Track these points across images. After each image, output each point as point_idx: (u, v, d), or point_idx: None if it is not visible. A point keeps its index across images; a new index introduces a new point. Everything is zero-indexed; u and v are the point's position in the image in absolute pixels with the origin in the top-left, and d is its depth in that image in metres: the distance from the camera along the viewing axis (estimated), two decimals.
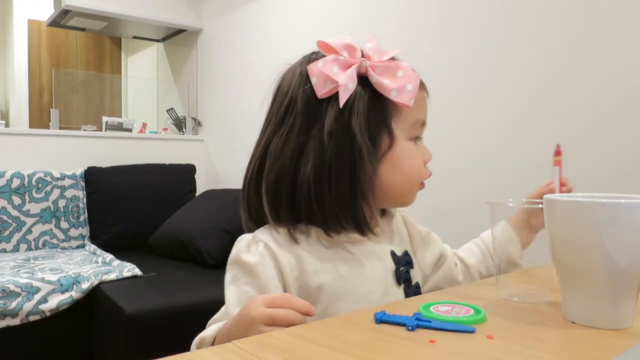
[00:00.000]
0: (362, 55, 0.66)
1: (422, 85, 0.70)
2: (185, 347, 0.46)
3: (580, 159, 1.32)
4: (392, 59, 0.68)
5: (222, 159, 2.89)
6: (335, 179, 0.64)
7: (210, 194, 2.61)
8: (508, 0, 1.49)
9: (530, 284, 0.62)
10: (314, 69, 0.64)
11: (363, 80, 0.65)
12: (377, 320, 0.52)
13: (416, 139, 0.70)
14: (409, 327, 0.50)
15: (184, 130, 3.20)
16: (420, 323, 0.51)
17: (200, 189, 2.80)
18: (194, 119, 3.14)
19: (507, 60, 1.49)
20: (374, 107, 0.65)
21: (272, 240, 0.65)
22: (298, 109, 0.66)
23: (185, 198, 2.64)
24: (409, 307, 0.57)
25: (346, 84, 0.63)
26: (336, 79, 0.63)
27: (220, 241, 2.09)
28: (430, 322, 0.51)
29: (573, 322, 0.53)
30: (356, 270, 0.67)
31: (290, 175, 0.65)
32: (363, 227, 0.66)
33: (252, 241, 0.66)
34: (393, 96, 0.63)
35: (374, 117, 0.65)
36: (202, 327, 0.65)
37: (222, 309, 0.65)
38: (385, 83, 0.63)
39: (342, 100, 0.63)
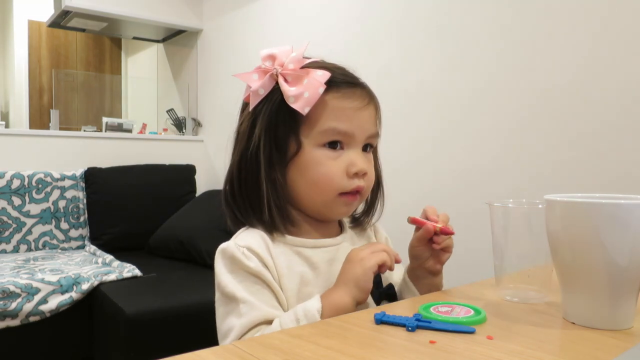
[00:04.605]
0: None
1: (352, 96, 0.69)
2: (185, 348, 0.46)
3: (580, 159, 1.32)
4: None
5: (222, 159, 2.87)
6: (245, 178, 0.69)
7: (210, 194, 2.61)
8: (511, 3, 1.49)
9: (530, 284, 0.62)
10: (242, 75, 0.69)
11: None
12: (377, 320, 0.52)
13: (335, 147, 0.68)
14: (409, 328, 0.50)
15: (184, 130, 3.20)
16: (420, 324, 0.51)
17: (200, 189, 2.80)
18: (193, 119, 3.14)
19: (509, 62, 1.49)
20: (282, 113, 0.67)
21: (252, 243, 0.67)
22: (239, 113, 0.74)
23: (185, 198, 2.64)
24: (409, 307, 0.57)
25: (257, 90, 0.68)
26: (251, 85, 0.68)
27: (220, 241, 2.07)
28: (430, 322, 0.51)
29: (573, 323, 0.53)
30: (320, 274, 0.69)
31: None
32: (272, 230, 0.69)
33: (236, 248, 0.67)
34: (291, 102, 0.65)
35: (281, 123, 0.67)
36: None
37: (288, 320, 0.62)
38: (289, 90, 0.66)
39: (252, 105, 0.68)
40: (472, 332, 0.50)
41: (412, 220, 0.72)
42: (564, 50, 1.35)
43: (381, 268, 0.65)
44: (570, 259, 0.52)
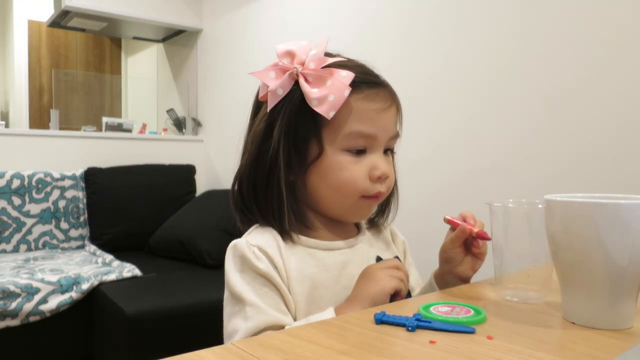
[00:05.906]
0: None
1: (375, 97, 0.67)
2: (185, 348, 0.46)
3: (581, 160, 1.32)
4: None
5: (222, 159, 2.89)
6: (257, 181, 0.67)
7: (210, 194, 2.61)
8: (518, 5, 1.49)
9: (530, 284, 0.62)
10: (258, 73, 0.66)
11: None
12: (377, 320, 0.52)
13: (358, 151, 0.66)
14: (409, 328, 0.50)
15: (183, 130, 3.20)
16: (420, 324, 0.51)
17: (200, 189, 2.80)
18: (193, 119, 3.14)
19: (514, 64, 1.49)
20: (303, 115, 0.64)
21: (264, 244, 0.66)
22: (250, 111, 0.71)
23: (185, 198, 2.64)
24: (409, 307, 0.57)
25: (275, 90, 0.64)
26: (268, 84, 0.64)
27: (220, 241, 2.09)
28: (430, 322, 0.51)
29: (573, 323, 0.53)
30: (333, 277, 0.67)
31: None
32: (282, 232, 0.67)
33: (247, 247, 0.65)
34: (314, 105, 0.62)
35: (302, 125, 0.65)
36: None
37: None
38: (311, 92, 0.63)
39: (270, 105, 0.65)
40: (472, 332, 0.50)
41: (448, 221, 0.71)
42: (568, 53, 1.35)
43: (396, 297, 0.64)
44: (570, 259, 0.52)
